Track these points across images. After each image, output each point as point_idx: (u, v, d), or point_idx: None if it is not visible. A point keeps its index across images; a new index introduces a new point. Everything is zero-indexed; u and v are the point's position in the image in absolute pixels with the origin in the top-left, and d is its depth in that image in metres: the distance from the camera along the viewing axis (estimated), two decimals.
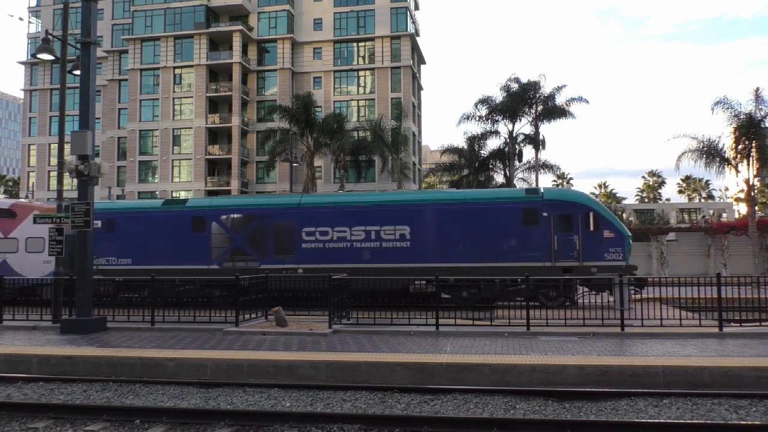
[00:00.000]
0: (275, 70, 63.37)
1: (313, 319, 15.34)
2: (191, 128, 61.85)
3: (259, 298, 15.68)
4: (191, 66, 62.22)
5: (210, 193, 58.67)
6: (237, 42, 61.66)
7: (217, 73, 63.59)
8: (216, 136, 63.13)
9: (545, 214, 18.60)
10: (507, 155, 45.66)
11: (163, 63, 62.67)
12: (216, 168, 63.54)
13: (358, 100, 62.41)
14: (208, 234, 20.65)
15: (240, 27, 61.84)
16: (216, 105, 63.47)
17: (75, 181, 14.97)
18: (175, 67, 62.72)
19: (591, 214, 18.48)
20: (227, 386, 9.64)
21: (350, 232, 19.59)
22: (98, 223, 20.99)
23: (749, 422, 7.46)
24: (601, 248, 18.22)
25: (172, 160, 62.25)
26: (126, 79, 64.99)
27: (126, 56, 65.35)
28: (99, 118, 62.46)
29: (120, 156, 65.24)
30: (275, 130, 48.39)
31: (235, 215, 20.88)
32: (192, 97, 62.07)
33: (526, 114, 44.99)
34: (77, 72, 15.92)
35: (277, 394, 9.18)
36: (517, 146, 45.41)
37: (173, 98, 62.63)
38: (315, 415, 7.88)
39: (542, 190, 19.87)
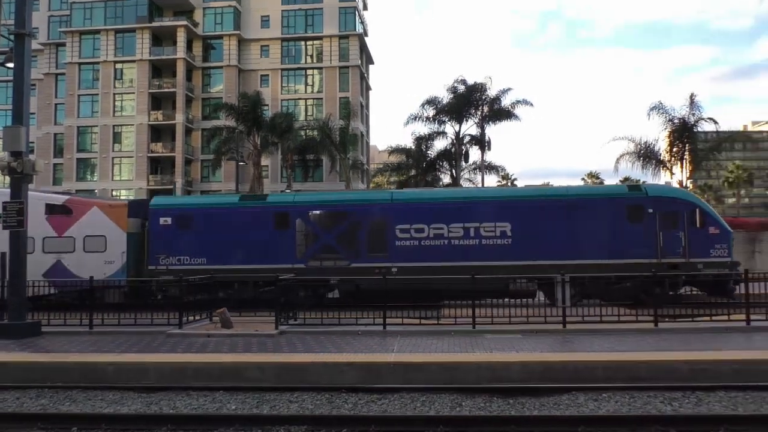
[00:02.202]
0: (221, 67, 62.25)
1: (259, 320, 15.14)
2: (133, 125, 60.04)
3: (204, 299, 15.35)
4: (133, 61, 60.42)
5: (152, 192, 57.07)
6: (181, 37, 60.20)
7: (160, 69, 61.96)
8: (159, 133, 61.49)
9: (650, 210, 18.44)
10: (454, 156, 46.23)
11: (104, 57, 60.59)
12: (159, 166, 61.87)
13: (305, 99, 61.99)
14: (291, 231, 19.71)
15: (185, 22, 60.40)
16: (159, 102, 61.81)
17: (7, 178, 14.28)
18: (115, 62, 60.75)
19: (697, 210, 18.43)
20: (170, 390, 9.40)
21: (447, 230, 19.05)
22: (168, 220, 19.96)
23: (682, 413, 7.80)
24: (707, 244, 18.14)
25: (113, 158, 60.31)
26: (63, 73, 62.46)
27: (63, 49, 62.86)
28: (34, 113, 59.88)
29: (56, 153, 62.75)
30: (221, 128, 47.52)
31: (322, 211, 20.12)
32: (134, 93, 60.28)
33: (473, 115, 45.66)
34: (10, 65, 15.20)
35: (222, 397, 9.02)
36: (463, 147, 46.04)
37: (114, 94, 60.68)
38: (261, 417, 7.79)
39: (645, 187, 20.01)
